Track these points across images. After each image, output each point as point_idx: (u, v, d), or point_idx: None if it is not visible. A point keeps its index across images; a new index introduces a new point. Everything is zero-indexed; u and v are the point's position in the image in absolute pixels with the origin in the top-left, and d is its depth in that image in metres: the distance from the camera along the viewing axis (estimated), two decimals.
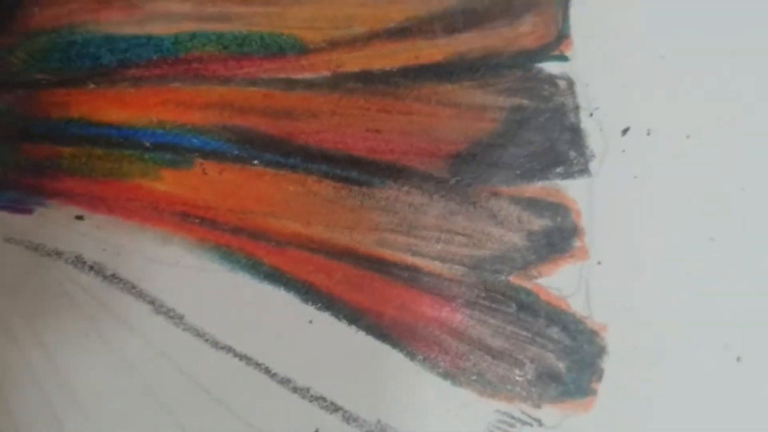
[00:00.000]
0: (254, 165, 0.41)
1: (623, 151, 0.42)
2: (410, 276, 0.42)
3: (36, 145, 0.40)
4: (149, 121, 0.40)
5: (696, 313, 0.43)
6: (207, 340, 0.42)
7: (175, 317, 0.41)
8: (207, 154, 0.41)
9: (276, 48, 0.40)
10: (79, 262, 0.41)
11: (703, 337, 0.43)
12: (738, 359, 0.43)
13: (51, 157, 0.40)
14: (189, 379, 0.41)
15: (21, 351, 0.41)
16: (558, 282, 0.43)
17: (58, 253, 0.41)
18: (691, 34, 0.41)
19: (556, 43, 0.41)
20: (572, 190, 0.42)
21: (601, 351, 0.43)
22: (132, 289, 0.41)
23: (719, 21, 0.41)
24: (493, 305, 0.43)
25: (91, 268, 0.41)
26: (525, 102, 0.42)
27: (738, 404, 0.43)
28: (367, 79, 0.41)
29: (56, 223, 0.41)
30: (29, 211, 0.40)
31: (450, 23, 0.41)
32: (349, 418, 0.42)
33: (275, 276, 0.42)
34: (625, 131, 0.42)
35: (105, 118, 0.40)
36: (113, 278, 0.41)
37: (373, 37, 0.41)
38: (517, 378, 0.43)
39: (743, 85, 0.41)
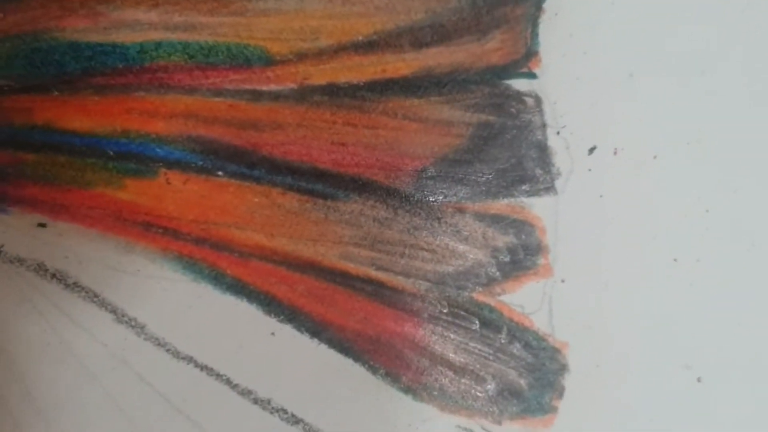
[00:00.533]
0: (218, 176, 0.41)
1: (589, 169, 0.42)
2: (374, 290, 0.42)
3: None
4: (113, 130, 0.40)
5: (658, 332, 0.43)
6: (168, 350, 0.42)
7: (136, 326, 0.42)
8: (171, 164, 0.41)
9: (242, 59, 0.40)
10: (41, 269, 0.41)
11: (664, 357, 0.43)
12: (699, 380, 0.43)
13: (14, 163, 0.40)
14: (150, 389, 0.42)
15: None
16: (521, 299, 0.43)
17: (20, 260, 0.41)
18: (659, 53, 0.41)
19: (524, 60, 0.41)
20: (537, 207, 0.43)
21: (562, 369, 0.43)
22: (94, 297, 0.42)
23: (688, 40, 0.41)
24: (456, 321, 0.43)
25: (53, 275, 0.41)
26: (492, 118, 0.42)
27: (698, 424, 0.44)
28: (333, 92, 0.41)
29: (18, 230, 0.41)
30: None
31: (418, 38, 0.41)
32: (309, 430, 0.42)
33: (238, 287, 0.42)
34: (591, 150, 0.42)
35: (69, 125, 0.40)
36: (75, 286, 0.41)
37: (340, 50, 0.41)
38: (479, 394, 0.43)
39: (711, 106, 0.42)
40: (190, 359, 0.42)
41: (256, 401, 0.42)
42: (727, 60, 0.41)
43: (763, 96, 0.41)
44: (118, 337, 0.41)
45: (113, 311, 0.41)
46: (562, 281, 0.42)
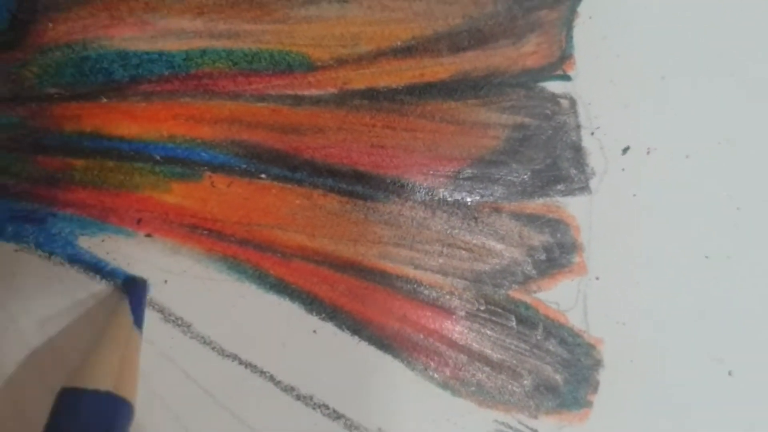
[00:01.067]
0: (261, 179, 0.43)
1: (623, 169, 0.43)
2: (412, 288, 0.44)
3: (49, 157, 0.42)
4: (160, 135, 0.42)
5: (690, 328, 0.44)
6: (213, 348, 0.43)
7: (183, 325, 0.43)
8: (216, 168, 0.42)
9: (284, 65, 0.42)
10: (92, 270, 0.43)
11: (696, 351, 0.44)
12: (729, 373, 0.44)
13: (64, 169, 0.42)
14: (196, 386, 0.43)
15: (33, 357, 0.43)
16: (557, 296, 0.44)
17: (72, 261, 0.43)
18: (691, 55, 0.42)
19: (559, 63, 0.43)
20: (572, 207, 0.44)
21: (597, 364, 0.45)
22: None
23: (719, 43, 0.42)
24: (493, 318, 0.44)
25: (103, 276, 0.43)
26: (527, 120, 0.43)
27: (729, 417, 0.45)
28: (372, 96, 0.42)
29: None
30: (42, 221, 0.42)
31: (455, 42, 0.42)
32: (350, 425, 0.44)
33: (281, 286, 0.43)
34: (625, 150, 0.43)
35: (117, 131, 0.42)
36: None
37: (379, 55, 0.42)
38: (516, 389, 0.44)
39: (742, 107, 0.43)
40: (234, 357, 0.43)
41: (298, 397, 0.43)
42: (757, 61, 0.43)
43: None
44: (165, 336, 0.43)
45: (160, 311, 0.42)
46: (597, 279, 0.44)
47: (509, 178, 0.42)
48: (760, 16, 0.41)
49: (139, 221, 0.41)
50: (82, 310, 0.41)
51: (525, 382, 0.44)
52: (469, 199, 0.43)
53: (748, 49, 0.42)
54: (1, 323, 0.42)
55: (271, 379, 0.43)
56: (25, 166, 0.41)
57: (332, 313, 0.43)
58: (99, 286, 0.42)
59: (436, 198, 0.42)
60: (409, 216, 0.43)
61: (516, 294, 0.43)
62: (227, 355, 0.43)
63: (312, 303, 0.43)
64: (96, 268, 0.42)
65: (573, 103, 0.42)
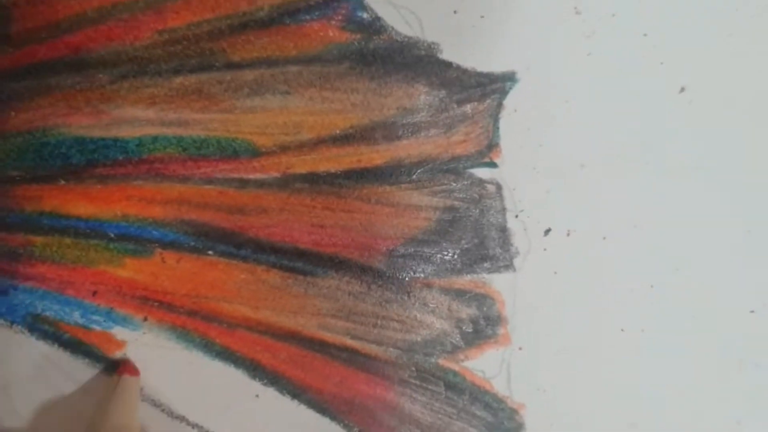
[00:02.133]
0: (209, 255, 0.47)
1: (545, 249, 0.48)
2: (349, 357, 0.48)
3: (11, 234, 0.46)
4: (114, 215, 0.46)
5: (606, 397, 0.48)
6: (163, 410, 0.48)
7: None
8: (166, 245, 0.46)
9: (231, 151, 0.46)
10: (56, 341, 0.47)
11: (611, 417, 0.49)
12: None
13: (24, 245, 0.46)
14: None
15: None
16: (482, 365, 0.49)
17: (32, 331, 0.47)
18: (608, 145, 0.46)
19: (486, 151, 0.47)
20: (497, 283, 0.48)
21: (519, 427, 0.49)
22: (96, 363, 0.47)
23: (633, 135, 0.46)
24: (424, 384, 0.49)
25: (66, 346, 0.47)
26: (457, 203, 0.47)
27: None
28: (313, 180, 0.46)
29: None
30: (5, 293, 0.46)
31: (390, 132, 0.46)
32: None
33: (226, 354, 0.47)
34: (547, 232, 0.47)
35: (74, 211, 0.46)
36: (81, 355, 0.47)
37: (319, 142, 0.46)
38: None
39: (655, 192, 0.47)
40: (182, 418, 0.47)
41: None
42: (668, 150, 0.47)
43: (701, 183, 0.47)
44: None
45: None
46: (520, 349, 0.48)
47: (439, 256, 0.47)
48: (669, 108, 0.45)
49: (94, 293, 0.45)
50: (44, 379, 0.45)
51: None
52: (402, 275, 0.47)
53: (659, 140, 0.46)
54: None
55: None
56: None
57: (274, 378, 0.47)
58: (57, 353, 0.46)
59: (372, 274, 0.47)
60: (346, 290, 0.47)
61: (445, 362, 0.48)
62: (176, 417, 0.47)
63: (255, 369, 0.47)
64: (54, 336, 0.46)
65: (499, 188, 0.46)
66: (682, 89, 0.45)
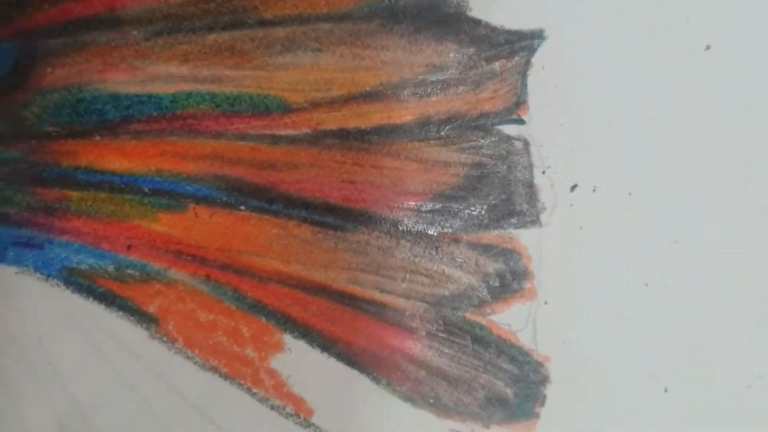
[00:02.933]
0: (241, 210, 0.48)
1: (571, 205, 0.49)
2: (378, 310, 0.49)
3: (47, 189, 0.47)
4: (148, 170, 0.47)
5: (630, 348, 0.50)
6: (196, 363, 0.49)
7: (168, 342, 0.49)
8: (199, 200, 0.48)
9: (263, 107, 0.47)
10: (86, 292, 0.48)
11: (635, 369, 0.50)
12: (665, 390, 0.50)
13: (60, 199, 0.47)
14: (180, 397, 0.49)
15: (34, 370, 0.48)
16: (508, 318, 0.50)
17: (68, 283, 0.48)
18: (634, 103, 0.47)
19: (514, 108, 0.48)
20: (524, 238, 0.49)
21: (544, 380, 0.50)
22: (130, 316, 0.49)
23: (660, 93, 0.48)
24: (450, 338, 0.50)
25: (96, 297, 0.48)
26: (485, 159, 0.48)
27: (664, 429, 0.51)
28: (343, 136, 0.47)
29: None
30: (41, 247, 0.47)
31: (419, 88, 0.47)
32: None
33: (258, 307, 0.49)
34: (573, 188, 0.49)
35: (109, 166, 0.47)
36: (116, 307, 0.48)
37: (349, 99, 0.47)
38: (470, 401, 0.50)
39: (679, 151, 0.48)
40: (214, 369, 0.49)
41: (272, 407, 0.49)
42: (692, 109, 0.48)
43: (727, 144, 0.48)
44: (152, 351, 0.48)
45: (147, 328, 0.48)
46: (545, 303, 0.49)
47: (467, 211, 0.48)
48: (702, 65, 0.46)
49: (129, 247, 0.46)
50: (79, 331, 0.47)
51: (479, 395, 0.49)
52: (430, 230, 0.48)
53: (685, 97, 0.47)
54: (3, 337, 0.47)
55: (248, 390, 0.49)
56: (25, 196, 0.46)
57: (304, 331, 0.48)
58: (92, 306, 0.47)
59: (401, 229, 0.48)
60: (375, 245, 0.48)
61: (472, 316, 0.49)
62: (208, 369, 0.48)
63: (286, 322, 0.48)
64: (89, 290, 0.47)
65: (526, 144, 0.47)
66: (708, 47, 0.46)
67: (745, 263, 0.46)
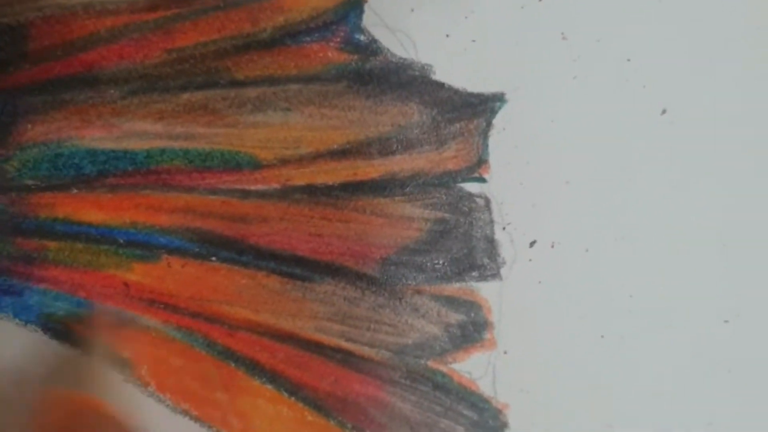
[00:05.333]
0: (212, 261, 0.50)
1: (530, 260, 0.50)
2: (343, 358, 0.51)
3: (26, 239, 0.49)
4: (123, 222, 0.49)
5: (585, 399, 0.51)
6: (167, 406, 0.52)
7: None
8: (172, 251, 0.49)
9: (234, 163, 0.49)
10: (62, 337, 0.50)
11: (590, 418, 0.52)
12: None
13: (39, 249, 0.49)
14: None
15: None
16: (469, 367, 0.51)
17: (46, 330, 0.50)
18: (592, 163, 0.49)
19: (476, 167, 0.49)
20: (485, 290, 0.50)
21: (503, 426, 0.52)
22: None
23: (618, 152, 0.50)
24: (413, 384, 0.52)
25: (73, 343, 0.50)
26: (447, 215, 0.50)
27: None
28: (311, 191, 0.49)
29: None
30: (20, 294, 0.50)
31: (385, 147, 0.49)
32: None
33: (227, 353, 0.51)
34: (532, 243, 0.50)
35: (85, 218, 0.48)
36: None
37: (318, 156, 0.49)
38: None
39: (636, 208, 0.50)
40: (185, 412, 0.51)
41: None
42: (652, 171, 0.50)
43: (683, 204, 0.50)
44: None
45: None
46: (505, 353, 0.51)
47: (430, 264, 0.50)
48: (652, 128, 0.49)
49: (126, 285, 0.49)
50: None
51: None
52: (394, 282, 0.50)
53: (641, 159, 0.49)
54: None
55: None
56: (5, 246, 0.48)
57: (272, 377, 0.51)
58: (69, 350, 0.50)
59: (366, 280, 0.50)
60: (341, 295, 0.50)
61: (434, 364, 0.51)
62: (179, 412, 0.51)
63: (255, 368, 0.50)
64: (65, 335, 0.50)
65: (488, 201, 0.49)
66: (664, 111, 0.48)
67: (698, 317, 0.49)
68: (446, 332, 0.45)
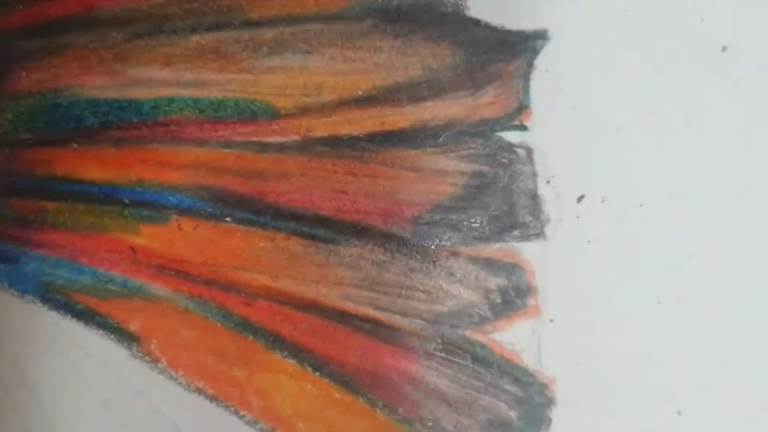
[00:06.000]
0: (227, 222, 0.45)
1: (578, 217, 0.46)
2: (372, 328, 0.46)
3: (22, 199, 0.44)
4: (129, 180, 0.44)
5: (640, 370, 0.46)
6: (180, 383, 0.47)
7: (151, 362, 0.47)
8: (182, 211, 0.45)
9: (249, 113, 0.44)
10: (65, 309, 0.46)
11: (645, 391, 0.47)
12: (678, 413, 0.47)
13: (36, 211, 0.44)
14: (162, 419, 0.47)
15: (7, 391, 0.46)
16: (511, 337, 0.47)
17: (44, 300, 0.46)
18: (645, 108, 0.44)
19: (516, 114, 0.45)
20: (527, 252, 0.46)
21: (549, 402, 0.47)
22: (111, 335, 0.47)
23: (673, 96, 0.45)
24: (450, 357, 0.47)
25: (75, 315, 0.46)
26: (485, 168, 0.45)
27: None
28: (334, 143, 0.45)
29: None
30: (15, 261, 0.45)
31: (414, 93, 0.44)
32: None
33: (245, 325, 0.46)
34: (580, 198, 0.46)
35: (87, 175, 0.44)
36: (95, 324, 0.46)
37: (341, 104, 0.44)
38: (471, 425, 0.48)
39: (694, 159, 0.46)
40: (200, 391, 0.46)
41: (261, 430, 0.47)
42: (709, 114, 0.45)
43: (745, 151, 0.45)
44: (134, 371, 0.46)
45: (128, 347, 0.46)
46: (551, 321, 0.46)
47: (466, 223, 0.45)
48: (714, 69, 0.44)
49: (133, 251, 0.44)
50: (56, 350, 0.45)
51: (480, 418, 0.46)
52: (427, 243, 0.45)
53: (699, 102, 0.44)
54: None
55: (235, 413, 0.46)
56: None
57: (295, 350, 0.46)
58: (70, 324, 0.45)
59: (396, 242, 0.45)
60: (369, 259, 0.45)
61: (472, 334, 0.46)
62: (193, 390, 0.46)
63: (275, 341, 0.46)
64: (66, 307, 0.45)
65: (529, 152, 0.44)
66: (725, 48, 0.43)
67: (765, 278, 0.44)
68: (485, 299, 0.40)
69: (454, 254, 0.40)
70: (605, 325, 0.41)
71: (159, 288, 0.40)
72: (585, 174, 0.40)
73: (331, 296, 0.40)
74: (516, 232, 0.40)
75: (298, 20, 0.38)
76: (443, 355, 0.41)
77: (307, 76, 0.38)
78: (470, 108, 0.39)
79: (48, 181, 0.39)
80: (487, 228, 0.40)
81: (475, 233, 0.40)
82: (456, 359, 0.41)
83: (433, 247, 0.40)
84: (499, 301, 0.41)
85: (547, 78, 0.41)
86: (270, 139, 0.39)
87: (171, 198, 0.39)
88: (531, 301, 0.41)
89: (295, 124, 0.39)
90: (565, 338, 0.41)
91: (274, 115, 0.39)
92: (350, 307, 0.40)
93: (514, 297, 0.41)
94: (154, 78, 0.38)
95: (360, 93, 0.39)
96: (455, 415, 0.41)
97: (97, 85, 0.38)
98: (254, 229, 0.39)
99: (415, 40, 0.39)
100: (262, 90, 0.38)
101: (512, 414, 0.41)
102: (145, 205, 0.39)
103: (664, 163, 0.40)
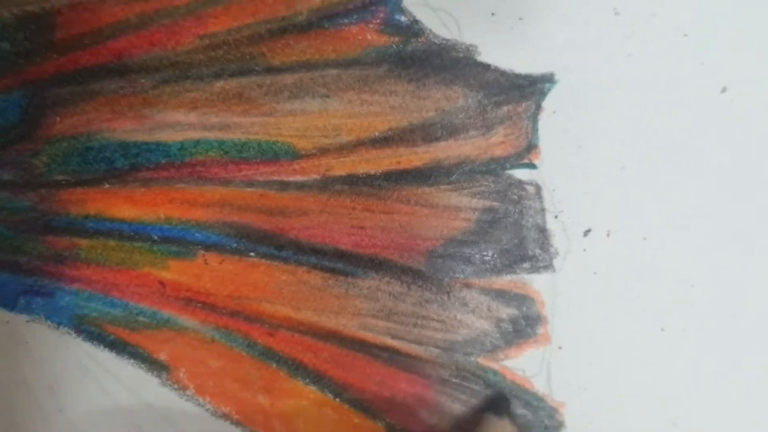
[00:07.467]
0: (251, 256, 0.48)
1: (584, 250, 0.48)
2: (389, 356, 0.49)
3: (57, 237, 0.47)
4: (157, 218, 0.47)
5: (646, 395, 0.48)
6: (207, 410, 0.50)
7: (180, 390, 0.49)
8: (208, 247, 0.47)
9: (271, 154, 0.46)
10: (99, 340, 0.49)
11: (651, 416, 0.49)
12: None
13: (70, 248, 0.47)
14: None
15: (45, 416, 0.49)
16: (522, 364, 0.49)
17: (78, 332, 0.49)
18: (648, 146, 0.46)
19: (525, 153, 0.47)
20: (537, 283, 0.48)
21: (559, 426, 0.49)
22: (141, 364, 0.49)
23: (676, 134, 0.47)
24: (463, 383, 0.49)
25: (107, 345, 0.49)
26: (496, 204, 0.48)
27: None
28: (353, 181, 0.47)
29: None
30: (51, 295, 0.48)
31: (429, 133, 0.46)
32: None
33: (268, 354, 0.49)
34: (586, 232, 0.48)
35: (118, 214, 0.46)
36: (126, 354, 0.49)
37: (358, 144, 0.47)
38: None
39: (695, 194, 0.48)
40: (226, 416, 0.49)
41: None
42: (708, 151, 0.48)
43: (745, 186, 0.47)
44: (164, 398, 0.49)
45: (158, 375, 0.48)
46: (560, 348, 0.48)
47: (479, 256, 0.47)
48: (712, 108, 0.46)
49: (162, 285, 0.47)
50: (90, 379, 0.47)
51: None
52: (441, 276, 0.47)
53: (700, 141, 0.46)
54: (15, 386, 0.48)
55: None
56: (35, 245, 0.46)
57: (316, 377, 0.48)
58: (103, 354, 0.48)
59: (411, 274, 0.47)
60: (386, 291, 0.48)
61: (485, 361, 0.48)
62: (219, 416, 0.48)
63: (297, 369, 0.48)
64: (99, 338, 0.48)
65: (538, 189, 0.46)
66: (724, 89, 0.45)
67: (765, 305, 0.46)
68: (497, 328, 0.42)
69: (467, 286, 0.42)
70: (611, 352, 0.43)
71: (187, 319, 0.42)
72: (591, 209, 0.42)
73: (350, 326, 0.42)
74: (526, 265, 0.42)
75: (317, 66, 0.40)
76: (457, 381, 0.43)
77: (326, 119, 0.40)
78: (482, 147, 0.41)
79: (81, 220, 0.41)
80: (498, 261, 0.42)
81: (487, 266, 0.42)
82: (469, 385, 0.43)
83: (447, 279, 0.42)
84: (510, 330, 0.43)
85: (555, 119, 0.41)
86: (291, 178, 0.41)
87: (197, 234, 0.41)
88: (541, 330, 0.43)
89: (315, 163, 0.41)
90: (573, 365, 0.43)
91: (295, 155, 0.41)
92: (368, 336, 0.43)
93: (524, 326, 0.43)
94: (181, 121, 0.40)
95: (376, 134, 0.41)
96: None
97: (127, 128, 0.40)
98: (277, 263, 0.42)
99: (428, 84, 0.40)
100: (283, 132, 0.40)
101: None
102: (173, 241, 0.41)
103: (666, 198, 0.42)
